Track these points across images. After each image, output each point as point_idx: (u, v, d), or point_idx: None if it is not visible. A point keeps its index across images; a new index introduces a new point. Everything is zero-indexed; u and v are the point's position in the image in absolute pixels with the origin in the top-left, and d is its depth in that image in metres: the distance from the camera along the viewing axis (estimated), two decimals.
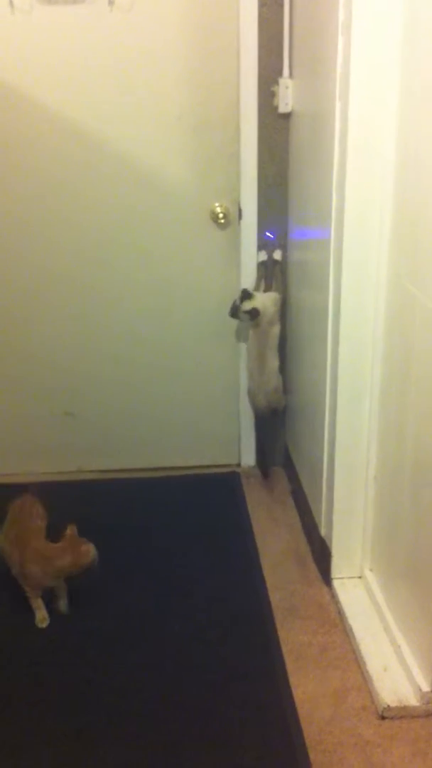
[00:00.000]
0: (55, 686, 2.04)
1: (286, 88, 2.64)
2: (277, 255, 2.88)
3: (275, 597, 2.40)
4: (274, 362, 2.91)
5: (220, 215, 2.86)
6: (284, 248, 2.87)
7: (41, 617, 2.30)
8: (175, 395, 3.15)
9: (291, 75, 2.64)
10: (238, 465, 3.27)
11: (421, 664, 1.95)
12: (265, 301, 2.82)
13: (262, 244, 2.87)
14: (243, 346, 3.06)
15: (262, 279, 2.90)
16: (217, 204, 2.86)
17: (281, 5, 2.58)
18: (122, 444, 3.21)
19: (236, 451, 3.26)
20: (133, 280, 2.96)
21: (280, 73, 2.66)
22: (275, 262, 2.89)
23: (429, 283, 1.78)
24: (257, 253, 2.89)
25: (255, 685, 2.03)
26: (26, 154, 2.76)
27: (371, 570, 2.37)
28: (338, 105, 2.00)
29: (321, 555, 2.49)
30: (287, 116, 2.72)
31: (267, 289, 2.90)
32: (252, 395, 3.03)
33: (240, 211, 2.86)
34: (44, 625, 2.29)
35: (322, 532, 2.48)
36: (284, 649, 2.17)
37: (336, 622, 2.29)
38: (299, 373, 2.83)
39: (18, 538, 2.33)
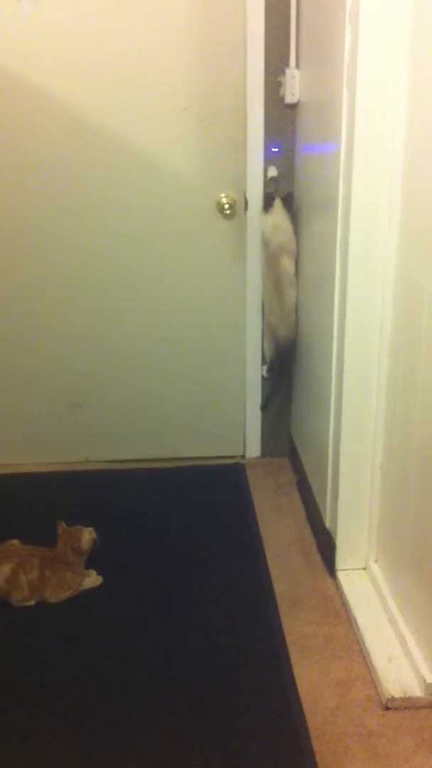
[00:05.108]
0: (60, 674, 2.05)
1: (293, 78, 2.64)
2: (272, 171, 2.81)
3: (280, 588, 2.40)
4: (293, 294, 2.82)
5: (226, 206, 2.85)
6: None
7: (94, 579, 2.40)
8: (180, 387, 3.15)
9: (298, 65, 2.63)
10: (243, 456, 3.27)
11: (426, 655, 1.96)
12: (281, 221, 2.73)
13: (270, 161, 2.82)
14: (248, 338, 3.06)
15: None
16: (223, 195, 2.85)
17: None
18: (128, 435, 3.21)
19: (241, 443, 3.26)
20: (139, 271, 2.96)
21: (287, 63, 2.65)
22: (290, 193, 2.79)
23: None
24: (267, 169, 2.82)
25: (259, 675, 2.04)
26: (30, 145, 2.76)
27: (376, 561, 2.37)
28: (345, 94, 1.99)
29: (326, 546, 2.50)
30: (294, 106, 2.71)
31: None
32: (272, 328, 2.93)
33: (246, 201, 2.85)
34: (99, 582, 2.41)
35: (327, 523, 2.48)
36: (289, 639, 2.17)
37: (340, 613, 2.29)
38: (305, 366, 2.83)
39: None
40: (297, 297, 2.84)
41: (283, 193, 2.76)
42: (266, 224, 2.76)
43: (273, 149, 2.77)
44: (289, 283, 2.81)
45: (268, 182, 2.82)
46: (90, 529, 2.39)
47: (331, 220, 2.19)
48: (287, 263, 2.78)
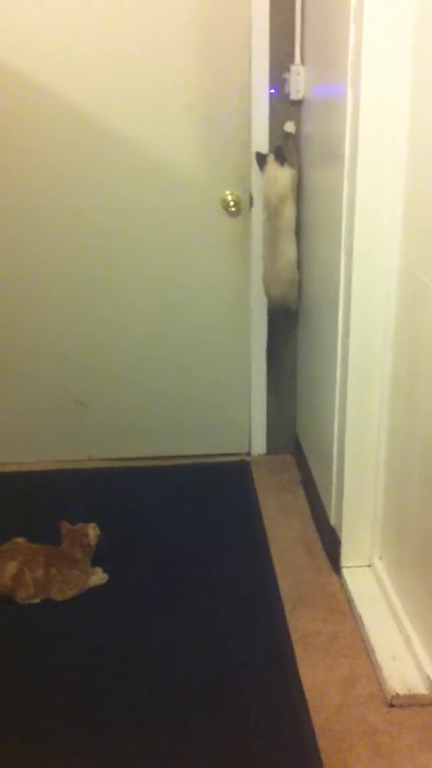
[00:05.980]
0: (64, 673, 2.06)
1: (298, 74, 2.63)
2: (290, 127, 2.75)
3: (284, 585, 2.41)
4: (289, 250, 2.75)
5: (231, 203, 2.85)
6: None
7: (100, 577, 2.41)
8: (185, 384, 3.15)
9: (303, 62, 2.63)
10: (248, 454, 3.27)
11: (430, 652, 1.96)
12: (275, 172, 2.68)
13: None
14: (253, 335, 3.06)
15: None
16: (228, 192, 2.85)
17: None
18: (132, 433, 3.22)
19: (246, 440, 3.26)
20: (144, 269, 2.96)
21: (291, 59, 2.64)
22: (288, 134, 2.76)
23: None
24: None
25: (264, 672, 2.04)
26: (33, 142, 2.76)
27: (380, 559, 2.37)
28: (350, 92, 1.99)
29: (330, 543, 2.50)
30: (299, 103, 2.70)
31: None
32: (266, 285, 2.89)
33: (251, 198, 2.85)
34: (105, 580, 2.41)
35: (332, 520, 2.48)
36: (293, 637, 2.18)
37: (345, 610, 2.29)
38: (310, 363, 2.83)
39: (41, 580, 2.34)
40: (296, 255, 2.78)
41: (272, 148, 2.73)
42: (264, 181, 2.72)
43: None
44: (287, 234, 2.74)
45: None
46: (93, 525, 2.41)
47: (335, 217, 2.18)
48: (288, 212, 2.71)
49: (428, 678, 1.92)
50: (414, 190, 1.92)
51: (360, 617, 2.20)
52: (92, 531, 2.39)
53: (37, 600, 2.30)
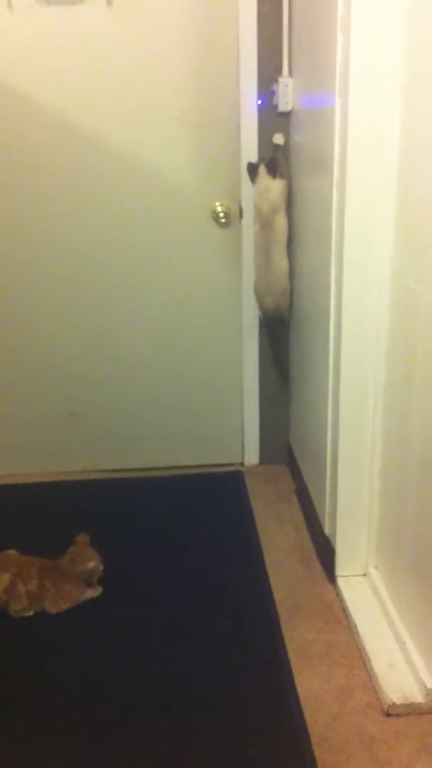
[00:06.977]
0: (61, 682, 2.05)
1: (286, 86, 2.65)
2: (278, 139, 2.76)
3: (280, 595, 2.40)
4: (282, 260, 2.78)
5: (221, 214, 2.86)
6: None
7: (94, 589, 2.39)
8: (178, 395, 3.15)
9: (291, 73, 2.64)
10: (242, 464, 3.27)
11: (427, 661, 1.95)
12: (267, 183, 2.69)
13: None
14: (245, 346, 3.06)
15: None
16: (218, 203, 2.86)
17: (280, 4, 2.58)
18: (126, 444, 3.21)
19: (239, 450, 3.26)
20: (135, 280, 2.97)
21: (279, 71, 2.66)
22: (277, 146, 2.76)
23: (431, 280, 1.79)
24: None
25: (260, 681, 2.03)
26: (24, 155, 2.77)
27: (376, 567, 2.37)
28: (338, 102, 2.00)
29: (325, 553, 2.49)
30: (287, 114, 2.72)
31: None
32: (258, 295, 2.91)
33: (241, 209, 2.86)
34: (99, 592, 2.38)
35: (326, 529, 2.48)
36: (289, 646, 2.17)
37: (341, 619, 2.29)
38: (302, 371, 2.83)
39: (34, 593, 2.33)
40: (288, 265, 2.79)
41: (266, 159, 2.72)
42: (255, 192, 2.73)
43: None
44: (280, 245, 2.75)
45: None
46: (98, 561, 2.38)
47: (326, 226, 2.19)
48: (280, 223, 2.72)
49: (425, 687, 1.91)
50: (404, 198, 1.93)
51: (356, 626, 2.20)
52: (93, 564, 2.36)
53: (31, 613, 2.29)
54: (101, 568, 2.38)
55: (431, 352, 1.81)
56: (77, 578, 2.34)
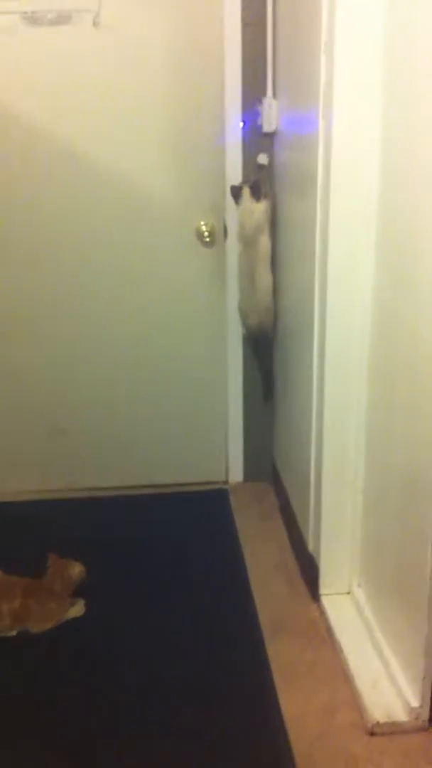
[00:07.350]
0: (40, 705, 2.02)
1: (270, 107, 2.68)
2: (263, 159, 2.79)
3: (264, 613, 2.39)
4: (266, 279, 2.79)
5: (206, 233, 2.88)
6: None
7: (78, 608, 2.37)
8: (163, 413, 3.15)
9: (275, 95, 2.67)
10: (226, 482, 3.27)
11: (410, 679, 1.95)
12: (251, 205, 2.70)
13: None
14: (230, 364, 3.07)
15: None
16: (202, 222, 2.88)
17: (264, 27, 2.62)
18: (110, 462, 3.20)
19: (224, 468, 3.26)
20: (121, 299, 2.98)
21: (264, 92, 2.69)
22: (261, 166, 2.80)
23: (413, 300, 1.80)
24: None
25: (244, 701, 2.02)
26: (7, 173, 2.78)
27: (359, 586, 2.37)
28: (322, 123, 2.03)
29: (309, 571, 2.49)
30: (271, 135, 2.74)
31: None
32: (243, 314, 2.93)
33: (225, 228, 2.88)
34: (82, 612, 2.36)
35: (310, 547, 2.48)
36: (273, 665, 2.16)
37: (324, 638, 2.28)
38: (286, 389, 2.84)
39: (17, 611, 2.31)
40: (271, 283, 2.80)
41: (250, 182, 2.74)
42: (239, 213, 2.75)
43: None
44: (264, 264, 2.77)
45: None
46: (81, 567, 2.40)
47: (309, 245, 2.21)
48: (263, 242, 2.74)
49: (408, 705, 1.91)
50: (386, 218, 1.95)
51: (339, 645, 2.19)
52: (77, 568, 2.37)
53: (14, 632, 2.27)
54: (84, 569, 2.39)
55: (413, 371, 1.82)
56: (65, 591, 2.34)
